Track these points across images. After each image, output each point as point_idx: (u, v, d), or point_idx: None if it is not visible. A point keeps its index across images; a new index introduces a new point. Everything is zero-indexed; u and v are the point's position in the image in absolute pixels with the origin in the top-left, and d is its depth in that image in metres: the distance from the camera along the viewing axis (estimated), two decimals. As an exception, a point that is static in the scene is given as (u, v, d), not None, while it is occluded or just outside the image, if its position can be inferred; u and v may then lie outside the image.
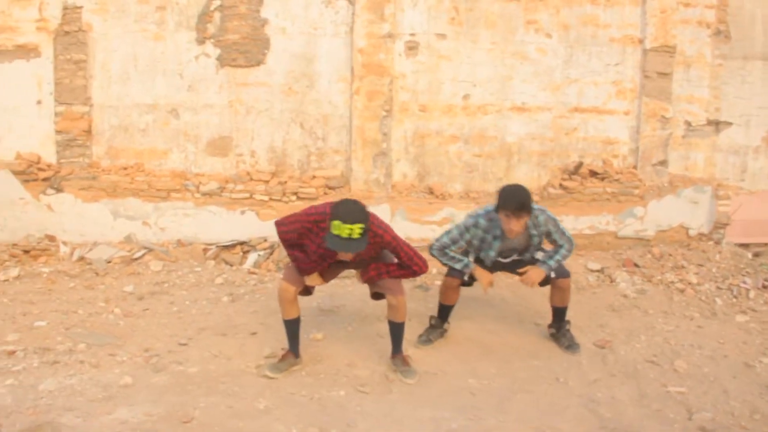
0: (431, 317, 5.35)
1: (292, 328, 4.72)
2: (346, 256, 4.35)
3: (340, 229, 4.09)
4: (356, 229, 4.09)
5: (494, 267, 5.16)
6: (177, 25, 7.18)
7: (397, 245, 4.51)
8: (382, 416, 4.13)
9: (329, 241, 4.16)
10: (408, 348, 5.02)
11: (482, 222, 4.95)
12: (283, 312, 4.70)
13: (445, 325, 5.35)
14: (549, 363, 4.96)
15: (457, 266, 5.05)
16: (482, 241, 5.02)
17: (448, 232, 5.08)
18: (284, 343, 4.81)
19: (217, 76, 7.26)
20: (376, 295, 4.93)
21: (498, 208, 4.76)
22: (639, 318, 5.91)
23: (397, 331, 4.78)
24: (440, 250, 5.06)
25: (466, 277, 5.11)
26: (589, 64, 7.61)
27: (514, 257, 5.16)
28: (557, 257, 5.06)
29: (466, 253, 5.18)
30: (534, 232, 4.98)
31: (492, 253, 5.05)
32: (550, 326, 5.38)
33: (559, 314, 5.29)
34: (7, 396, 4.16)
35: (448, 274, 5.15)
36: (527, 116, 7.58)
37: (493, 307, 6.04)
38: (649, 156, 7.68)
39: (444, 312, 5.31)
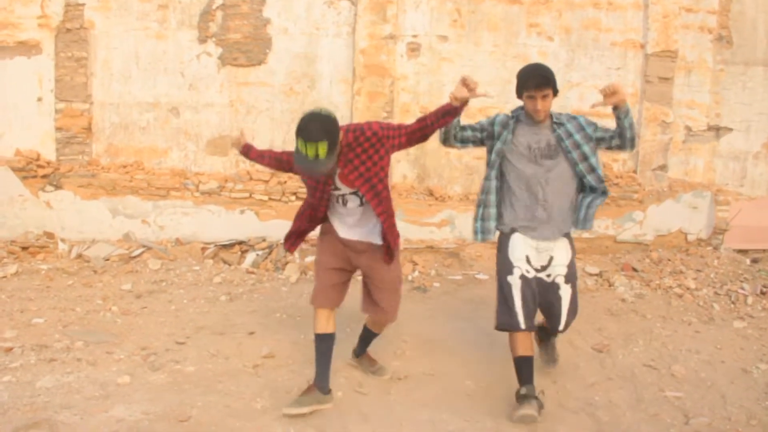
0: (517, 390, 4.15)
1: (323, 347, 4.20)
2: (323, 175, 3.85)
3: (305, 148, 3.60)
4: (320, 148, 3.58)
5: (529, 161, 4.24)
6: (179, 23, 7.18)
7: (388, 127, 3.95)
8: (379, 418, 4.12)
9: (296, 159, 3.72)
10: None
11: (500, 116, 4.38)
12: (315, 323, 4.25)
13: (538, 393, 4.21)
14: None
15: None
16: (504, 129, 4.31)
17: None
18: (281, 343, 4.81)
19: (218, 75, 7.26)
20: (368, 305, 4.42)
21: (519, 92, 4.20)
22: (637, 322, 5.90)
23: (370, 337, 4.68)
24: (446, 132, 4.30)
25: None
26: (591, 68, 7.61)
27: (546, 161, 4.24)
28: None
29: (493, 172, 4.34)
30: (565, 131, 4.29)
31: (521, 140, 4.25)
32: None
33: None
34: (3, 393, 4.15)
35: (498, 327, 4.27)
36: (528, 119, 7.58)
37: (490, 309, 6.02)
38: (649, 160, 7.69)
39: (522, 370, 4.17)
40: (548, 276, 4.22)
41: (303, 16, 7.27)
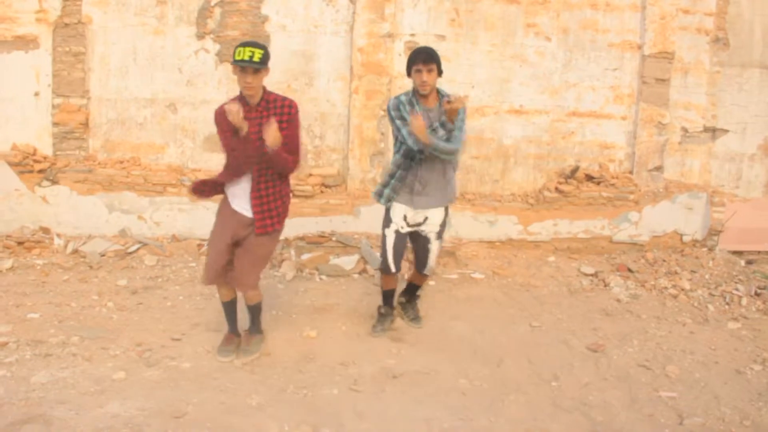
0: (379, 307, 5.46)
1: (229, 310, 4.89)
2: (248, 86, 4.40)
3: (242, 53, 4.29)
4: (256, 53, 4.30)
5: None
6: (177, 19, 7.17)
7: (295, 127, 4.59)
8: (374, 415, 4.13)
9: (234, 60, 4.31)
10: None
11: (401, 97, 4.92)
12: (220, 295, 4.87)
13: (393, 311, 5.53)
14: (541, 365, 4.97)
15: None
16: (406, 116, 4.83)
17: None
18: (276, 340, 4.89)
19: (216, 72, 7.26)
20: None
21: (408, 68, 4.82)
22: (632, 322, 5.92)
23: (254, 311, 4.96)
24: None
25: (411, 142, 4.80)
26: (588, 69, 7.63)
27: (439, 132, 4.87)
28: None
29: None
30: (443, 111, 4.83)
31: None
32: (401, 295, 5.65)
33: (413, 289, 5.63)
34: (-1, 387, 4.16)
35: (378, 269, 5.45)
36: (525, 119, 7.60)
37: (485, 308, 6.05)
38: (646, 161, 7.71)
39: (387, 298, 5.44)
40: (423, 232, 5.14)
41: (301, 14, 7.27)
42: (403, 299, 5.64)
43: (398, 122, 4.84)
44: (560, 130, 7.67)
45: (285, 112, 4.54)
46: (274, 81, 7.23)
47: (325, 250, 6.93)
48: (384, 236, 5.16)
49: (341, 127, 7.39)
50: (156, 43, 7.19)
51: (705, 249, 7.53)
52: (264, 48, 4.40)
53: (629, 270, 7.05)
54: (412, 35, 7.38)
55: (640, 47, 7.64)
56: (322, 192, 7.25)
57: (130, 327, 5.26)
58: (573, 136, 7.69)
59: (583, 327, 5.74)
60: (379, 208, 7.13)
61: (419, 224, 5.11)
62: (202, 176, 7.14)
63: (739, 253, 7.61)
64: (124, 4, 7.11)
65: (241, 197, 4.60)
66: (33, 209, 6.95)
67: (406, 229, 5.11)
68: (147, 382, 4.37)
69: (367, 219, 7.15)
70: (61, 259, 6.64)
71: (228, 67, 7.21)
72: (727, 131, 7.98)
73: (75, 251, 6.77)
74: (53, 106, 7.11)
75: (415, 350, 5.10)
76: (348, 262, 6.79)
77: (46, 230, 6.94)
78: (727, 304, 6.39)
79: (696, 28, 7.75)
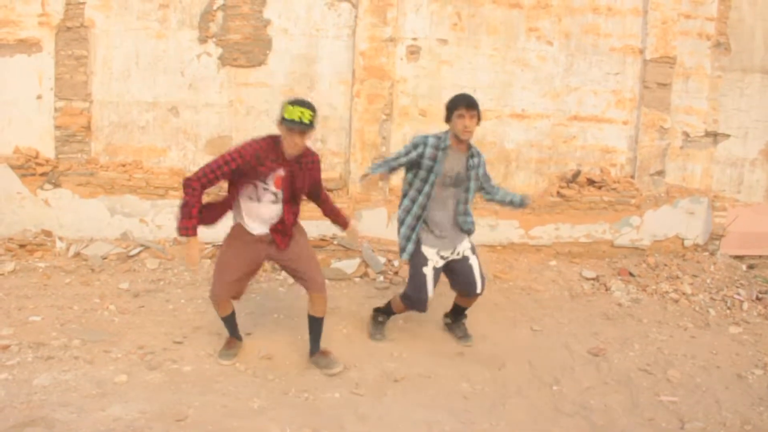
0: (376, 314, 5.44)
1: (230, 321, 4.95)
2: (294, 146, 4.40)
3: (292, 112, 4.28)
4: (306, 114, 4.30)
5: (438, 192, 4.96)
6: (179, 23, 7.18)
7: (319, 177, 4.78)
8: (376, 418, 4.13)
9: (289, 124, 4.31)
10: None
11: (431, 140, 4.88)
12: (219, 311, 4.89)
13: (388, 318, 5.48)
14: (542, 369, 4.97)
15: (380, 170, 4.94)
16: (431, 166, 4.85)
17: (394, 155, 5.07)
18: (278, 344, 4.90)
19: (218, 76, 7.27)
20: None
21: (450, 112, 4.83)
22: (633, 327, 5.93)
23: (316, 326, 4.85)
24: (384, 164, 5.00)
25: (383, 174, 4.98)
26: (590, 73, 7.64)
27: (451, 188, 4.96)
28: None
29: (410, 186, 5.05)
30: (472, 162, 4.93)
31: (439, 168, 4.85)
32: (446, 316, 5.60)
33: (460, 311, 5.50)
34: (0, 390, 4.15)
35: (405, 301, 5.10)
36: (526, 123, 7.61)
37: (486, 312, 6.05)
38: (647, 166, 7.71)
39: (391, 314, 5.39)
40: (458, 255, 5.07)
41: (303, 18, 7.28)
42: (448, 320, 5.56)
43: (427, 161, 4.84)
44: (562, 134, 7.68)
45: (314, 161, 4.68)
46: (276, 85, 7.28)
47: (326, 253, 6.94)
48: (422, 275, 4.96)
49: (343, 130, 7.40)
50: (158, 47, 7.20)
51: (706, 253, 7.53)
52: (314, 109, 4.40)
53: (630, 274, 7.06)
54: (414, 39, 7.39)
55: (641, 52, 7.65)
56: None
57: (132, 330, 5.27)
58: (575, 140, 7.70)
59: (584, 331, 5.75)
60: (381, 212, 7.20)
61: (451, 254, 5.05)
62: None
63: (740, 258, 7.62)
64: (126, 8, 7.12)
65: (262, 225, 4.65)
66: (35, 212, 6.96)
67: (441, 264, 5.04)
68: (148, 385, 4.38)
69: (369, 222, 7.16)
70: (63, 262, 6.65)
71: (230, 71, 7.23)
72: (728, 136, 7.99)
73: (77, 254, 6.77)
74: (55, 110, 7.11)
75: (417, 354, 5.10)
76: (349, 265, 6.80)
77: (48, 233, 6.95)
78: (729, 308, 6.39)
79: (697, 33, 7.76)
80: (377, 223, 7.21)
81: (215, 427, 3.90)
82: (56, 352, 4.77)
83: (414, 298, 5.01)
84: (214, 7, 7.15)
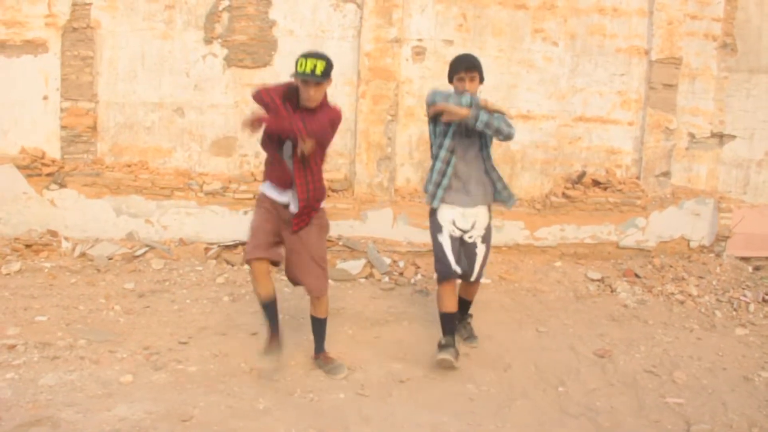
0: (440, 342, 4.89)
1: (270, 309, 4.65)
2: (309, 99, 4.32)
3: (304, 64, 4.21)
4: (319, 65, 4.23)
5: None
6: (185, 24, 7.20)
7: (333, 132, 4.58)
8: (381, 420, 4.13)
9: (296, 73, 4.26)
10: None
11: (440, 94, 4.81)
12: (258, 290, 4.60)
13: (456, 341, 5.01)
14: (548, 370, 4.96)
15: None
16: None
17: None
18: (284, 343, 4.76)
19: (223, 76, 7.28)
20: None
21: (451, 76, 4.86)
22: (639, 328, 5.91)
23: (318, 327, 4.80)
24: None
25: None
26: (595, 74, 7.62)
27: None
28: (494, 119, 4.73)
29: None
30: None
31: (455, 132, 4.80)
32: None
33: (464, 307, 5.36)
34: (7, 390, 4.17)
35: (438, 280, 4.92)
36: (532, 124, 7.60)
37: (492, 313, 6.04)
38: (653, 167, 7.69)
39: (448, 324, 4.91)
40: (470, 238, 4.95)
41: (309, 19, 7.28)
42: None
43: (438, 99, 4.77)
44: (567, 135, 7.67)
45: (337, 116, 4.57)
46: (281, 85, 7.27)
47: (331, 254, 6.93)
48: (438, 243, 4.90)
49: (348, 131, 7.39)
50: (164, 48, 7.22)
51: (712, 255, 7.50)
52: (326, 59, 4.32)
53: (636, 275, 7.04)
54: (420, 40, 7.39)
55: (647, 53, 7.63)
56: (328, 196, 7.24)
57: (138, 330, 5.28)
58: (580, 141, 7.69)
59: (589, 332, 5.73)
60: (385, 213, 7.20)
61: (466, 231, 4.94)
62: (209, 179, 7.17)
63: (746, 260, 7.59)
64: (132, 9, 7.14)
65: (282, 193, 4.56)
66: (41, 212, 6.98)
67: (457, 233, 4.93)
68: (154, 385, 4.38)
69: (374, 223, 7.16)
70: (68, 262, 6.67)
71: (235, 72, 7.24)
72: (734, 137, 7.96)
73: (82, 254, 6.79)
74: (61, 110, 7.14)
75: (422, 355, 5.09)
76: (354, 266, 6.80)
77: (53, 233, 6.96)
78: (735, 310, 6.37)
79: (703, 34, 7.74)
80: (383, 223, 7.21)
81: (220, 428, 3.90)
82: (62, 352, 4.78)
83: (440, 270, 4.87)
84: (220, 8, 7.16)
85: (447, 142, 4.82)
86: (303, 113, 4.35)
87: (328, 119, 4.43)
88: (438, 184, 4.88)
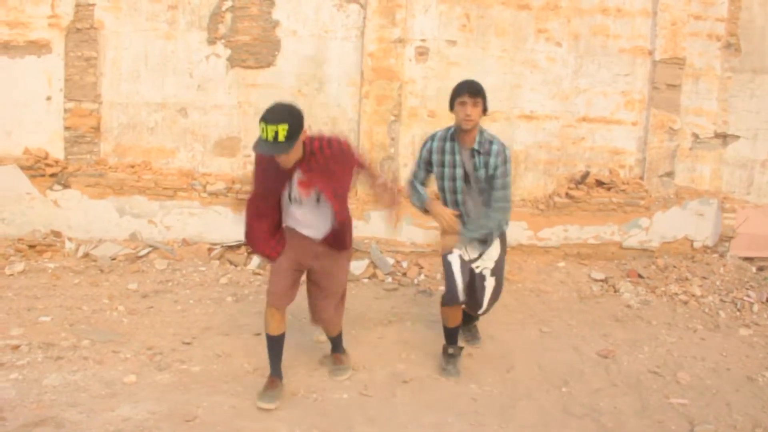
0: (445, 347, 4.91)
1: (275, 346, 4.37)
2: (282, 161, 3.92)
3: (265, 130, 3.73)
4: (281, 131, 3.71)
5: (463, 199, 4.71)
6: (188, 24, 7.21)
7: (354, 151, 4.20)
8: (384, 420, 4.13)
9: (257, 145, 3.81)
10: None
11: (438, 133, 4.73)
12: (268, 327, 4.32)
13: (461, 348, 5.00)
14: (551, 371, 4.96)
15: (415, 200, 4.80)
16: (442, 159, 4.66)
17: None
18: (287, 345, 4.55)
19: (226, 77, 7.28)
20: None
21: (452, 100, 4.57)
22: (642, 329, 5.90)
23: (332, 341, 4.81)
24: (409, 182, 4.89)
25: (423, 206, 4.77)
26: (599, 74, 7.61)
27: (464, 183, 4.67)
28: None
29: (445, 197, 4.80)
30: (478, 161, 4.59)
31: (459, 171, 4.62)
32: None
33: (469, 319, 5.26)
34: (11, 390, 4.18)
35: (443, 303, 4.80)
36: (535, 124, 7.59)
37: (496, 313, 6.02)
38: (656, 167, 7.68)
39: (453, 336, 4.92)
40: (477, 268, 4.75)
41: (312, 19, 7.29)
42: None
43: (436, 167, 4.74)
44: (570, 135, 7.66)
45: (334, 148, 4.07)
46: (286, 86, 7.28)
47: (334, 254, 6.94)
48: (447, 263, 4.69)
49: (351, 132, 7.40)
50: (167, 48, 7.23)
51: (716, 255, 7.49)
52: (288, 120, 3.75)
53: (639, 276, 7.03)
54: (423, 40, 7.38)
55: (651, 53, 7.62)
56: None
57: (141, 330, 5.28)
58: (583, 141, 7.68)
59: (593, 333, 5.73)
60: (388, 214, 7.17)
61: (474, 260, 4.74)
62: (212, 180, 7.17)
63: (750, 260, 7.57)
64: (136, 9, 7.15)
65: (311, 228, 4.28)
66: (44, 213, 6.99)
67: (466, 257, 4.72)
68: (158, 385, 4.39)
69: (377, 224, 7.16)
70: (72, 263, 6.67)
71: (238, 72, 7.24)
72: (738, 137, 7.94)
73: (86, 255, 6.80)
74: (65, 111, 7.15)
75: (426, 355, 5.09)
76: (358, 266, 6.80)
77: (57, 234, 6.97)
78: (739, 310, 6.36)
79: (707, 34, 7.72)
80: (386, 224, 7.20)
81: (224, 428, 3.91)
82: (66, 352, 4.79)
83: (446, 295, 4.73)
84: (223, 9, 7.17)
85: (446, 185, 4.72)
86: (298, 169, 4.04)
87: (330, 160, 4.05)
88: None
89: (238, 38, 7.22)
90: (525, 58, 7.52)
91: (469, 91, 4.51)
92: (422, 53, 7.38)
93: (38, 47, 7.07)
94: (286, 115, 3.78)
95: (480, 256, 4.75)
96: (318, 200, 4.14)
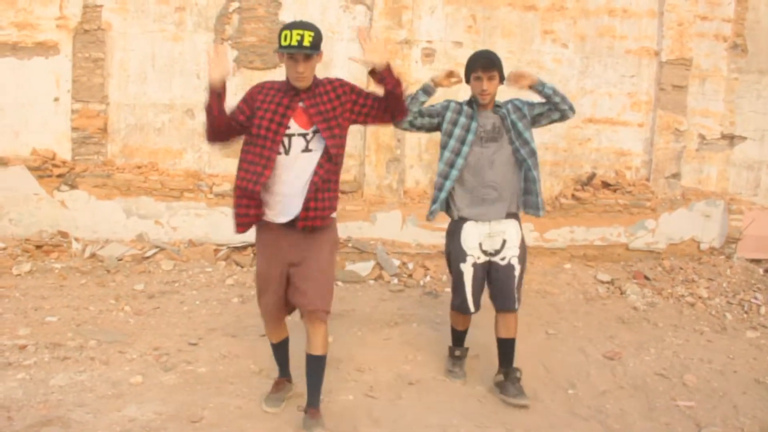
0: (452, 349, 4.83)
1: (280, 351, 4.25)
2: (298, 77, 3.70)
3: (289, 36, 3.57)
4: (306, 36, 3.57)
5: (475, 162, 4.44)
6: (195, 25, 7.23)
7: (358, 89, 3.96)
8: (390, 421, 4.13)
9: (281, 48, 3.64)
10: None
11: (453, 104, 4.55)
12: (269, 335, 4.20)
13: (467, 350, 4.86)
14: (557, 373, 4.95)
15: (419, 95, 4.52)
16: (456, 119, 4.47)
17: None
18: (292, 346, 4.58)
19: (233, 78, 7.29)
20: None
21: (467, 73, 4.43)
22: (649, 331, 5.89)
23: (316, 368, 3.98)
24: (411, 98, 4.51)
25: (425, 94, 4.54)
26: (605, 75, 7.61)
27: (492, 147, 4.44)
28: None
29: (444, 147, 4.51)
30: (505, 111, 4.49)
31: (470, 137, 4.41)
32: (497, 374, 4.65)
33: (507, 349, 4.61)
34: (18, 390, 4.19)
35: (452, 308, 4.62)
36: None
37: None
38: (662, 168, 7.66)
39: (460, 338, 4.81)
40: (503, 259, 4.45)
41: (318, 20, 7.26)
42: (499, 377, 4.59)
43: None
44: (577, 136, 7.65)
45: (342, 83, 3.91)
46: (291, 87, 7.28)
47: (340, 255, 6.94)
48: (459, 272, 4.44)
49: (357, 133, 7.40)
50: (174, 49, 7.25)
51: (723, 257, 7.47)
52: (315, 28, 3.65)
53: (646, 278, 7.01)
54: (429, 42, 7.39)
55: (657, 54, 7.61)
56: (338, 198, 7.27)
57: (147, 331, 5.29)
58: (589, 142, 7.67)
59: (599, 335, 5.72)
60: (395, 215, 7.19)
61: (497, 251, 4.45)
62: (219, 181, 7.18)
63: (757, 261, 7.54)
64: (143, 11, 7.18)
65: (286, 196, 3.80)
66: (52, 213, 7.02)
67: (483, 259, 4.45)
68: (164, 386, 4.39)
69: (384, 225, 7.16)
70: (78, 263, 6.70)
71: (245, 73, 7.26)
72: (745, 138, 7.92)
73: (93, 255, 6.82)
74: (72, 112, 7.18)
75: (431, 356, 5.09)
76: (364, 268, 6.80)
77: (64, 234, 7.00)
78: (746, 312, 6.34)
79: (714, 35, 7.71)
80: (392, 225, 7.21)
81: (230, 428, 3.91)
82: (72, 352, 4.80)
83: (456, 303, 4.54)
84: (230, 10, 7.19)
85: (464, 149, 4.42)
86: (302, 98, 3.79)
87: (332, 93, 3.84)
88: (441, 189, 4.52)
89: (245, 39, 7.24)
90: (531, 59, 7.52)
91: (483, 66, 4.36)
92: (429, 55, 7.39)
93: (46, 48, 7.10)
94: (310, 24, 3.69)
95: (503, 245, 4.43)
96: (307, 146, 3.77)
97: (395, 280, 6.77)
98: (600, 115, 7.67)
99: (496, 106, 4.53)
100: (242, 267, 6.85)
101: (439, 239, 7.01)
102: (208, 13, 7.21)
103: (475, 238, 4.43)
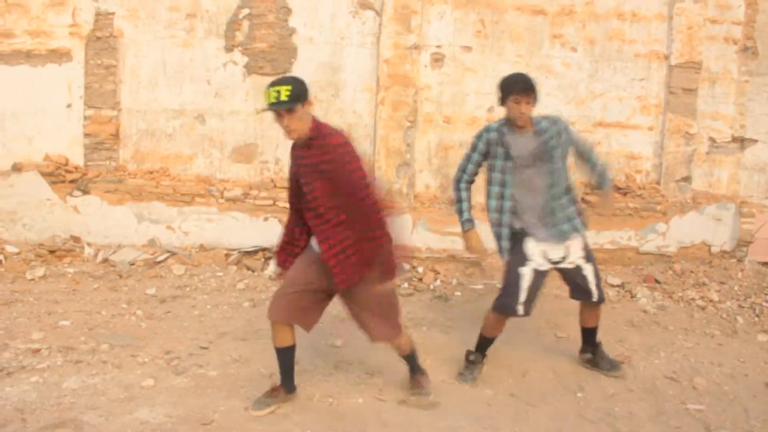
0: (468, 352, 4.90)
1: (284, 358, 4.27)
2: (286, 131, 3.84)
3: (269, 94, 3.78)
4: (283, 91, 3.73)
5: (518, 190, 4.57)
6: (206, 32, 7.28)
7: (341, 164, 3.84)
8: (399, 424, 4.14)
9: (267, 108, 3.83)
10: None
11: (493, 125, 4.66)
12: (273, 338, 4.23)
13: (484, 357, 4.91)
14: (567, 376, 4.95)
15: (455, 209, 4.79)
16: (497, 146, 4.57)
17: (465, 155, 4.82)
18: (303, 349, 4.68)
19: (243, 84, 7.35)
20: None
21: (504, 98, 4.47)
22: (659, 334, 5.88)
23: (408, 360, 4.49)
24: (456, 180, 4.80)
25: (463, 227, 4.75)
26: (614, 79, 7.61)
27: (533, 167, 4.54)
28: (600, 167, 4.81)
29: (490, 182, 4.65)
30: (546, 136, 4.53)
31: (509, 163, 4.53)
32: (582, 351, 5.08)
33: (591, 336, 5.01)
34: (31, 393, 4.24)
35: (495, 309, 4.69)
36: (551, 129, 7.57)
37: (510, 318, 6.02)
38: (673, 172, 7.65)
39: (485, 346, 4.87)
40: (570, 263, 4.64)
41: (328, 26, 7.34)
42: (588, 355, 5.02)
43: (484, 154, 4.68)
44: (586, 140, 7.63)
45: (325, 150, 3.87)
46: (301, 92, 7.32)
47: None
48: (517, 274, 4.53)
49: (367, 138, 7.43)
50: (185, 56, 7.31)
51: (734, 260, 7.44)
52: (292, 82, 3.80)
53: (656, 281, 7.00)
54: (438, 47, 7.41)
55: (666, 57, 7.60)
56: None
57: (159, 335, 5.34)
58: (599, 146, 7.65)
59: (609, 338, 5.69)
60: (405, 219, 7.19)
61: (564, 258, 4.63)
62: (230, 186, 7.24)
63: (768, 265, 7.52)
64: (154, 18, 7.24)
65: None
66: (64, 218, 7.08)
67: (546, 267, 4.60)
68: (175, 389, 4.43)
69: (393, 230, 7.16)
70: (91, 268, 6.75)
71: (255, 79, 7.30)
72: (756, 141, 7.89)
73: (105, 260, 6.88)
74: (85, 118, 7.25)
75: (441, 360, 5.09)
76: (373, 272, 6.81)
77: (77, 239, 7.06)
78: (757, 316, 6.32)
79: (724, 38, 7.69)
80: (402, 230, 7.20)
81: (240, 431, 3.94)
82: (85, 356, 4.85)
83: (503, 303, 4.60)
84: (240, 17, 7.24)
85: (507, 178, 4.58)
86: (298, 152, 3.97)
87: (327, 150, 3.85)
88: (500, 224, 4.64)
89: (255, 46, 7.29)
90: (540, 63, 7.53)
91: (521, 90, 4.41)
92: (437, 59, 7.41)
93: (59, 56, 7.17)
94: (289, 79, 3.91)
95: (566, 254, 4.60)
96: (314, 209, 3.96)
97: (405, 284, 6.79)
98: (610, 118, 7.66)
99: (536, 131, 4.56)
100: (253, 271, 6.88)
101: (450, 243, 7.06)
102: (219, 19, 7.26)
103: (540, 247, 4.58)
